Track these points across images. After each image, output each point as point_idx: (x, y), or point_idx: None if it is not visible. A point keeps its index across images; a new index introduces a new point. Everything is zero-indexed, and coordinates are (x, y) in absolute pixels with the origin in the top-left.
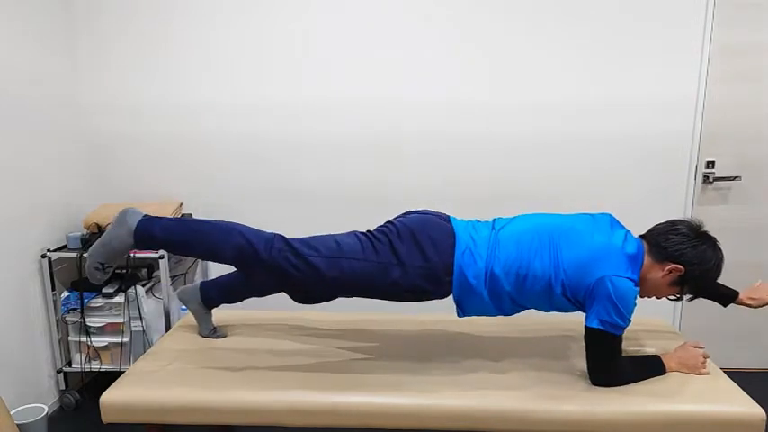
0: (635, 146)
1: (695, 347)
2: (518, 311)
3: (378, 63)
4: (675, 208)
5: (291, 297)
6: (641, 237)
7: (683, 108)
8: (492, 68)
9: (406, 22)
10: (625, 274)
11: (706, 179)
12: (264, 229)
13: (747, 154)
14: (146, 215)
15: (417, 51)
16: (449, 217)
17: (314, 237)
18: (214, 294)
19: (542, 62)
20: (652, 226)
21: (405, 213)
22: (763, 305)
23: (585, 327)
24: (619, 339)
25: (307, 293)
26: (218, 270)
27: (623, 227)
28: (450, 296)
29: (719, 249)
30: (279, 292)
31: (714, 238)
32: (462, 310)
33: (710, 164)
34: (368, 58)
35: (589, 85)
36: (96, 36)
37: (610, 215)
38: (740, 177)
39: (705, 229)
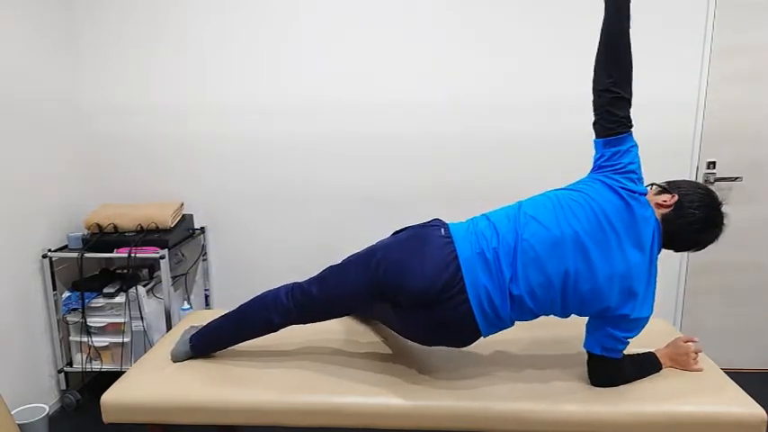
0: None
1: (687, 342)
2: None
3: (376, 64)
4: None
5: None
6: (664, 217)
7: (684, 109)
8: (490, 69)
9: (405, 22)
10: (642, 306)
11: (707, 180)
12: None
13: (748, 154)
14: (191, 341)
15: (416, 52)
16: (456, 255)
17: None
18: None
19: (542, 63)
20: (685, 209)
21: (403, 244)
22: None
23: (587, 350)
24: (620, 359)
25: None
26: (219, 271)
27: (651, 216)
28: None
29: (720, 232)
30: None
31: (721, 226)
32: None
33: (711, 164)
34: (367, 60)
35: (590, 86)
36: (97, 38)
37: (639, 198)
38: (741, 178)
39: (722, 209)
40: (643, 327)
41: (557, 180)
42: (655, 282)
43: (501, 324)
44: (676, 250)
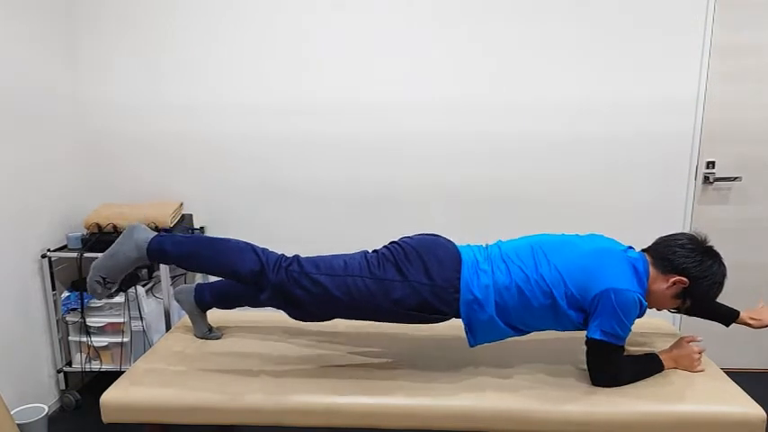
0: (635, 146)
1: (691, 342)
2: (529, 331)
3: (378, 63)
4: (676, 208)
5: (289, 315)
6: (644, 250)
7: (684, 108)
8: (492, 69)
9: (407, 22)
10: (628, 283)
11: (706, 179)
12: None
13: (748, 154)
14: (158, 233)
15: (419, 51)
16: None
17: (322, 257)
18: (208, 297)
19: (542, 63)
20: (656, 239)
21: (411, 236)
22: (765, 326)
23: (587, 338)
24: (621, 348)
25: (308, 313)
26: None
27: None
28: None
29: (723, 266)
30: (276, 307)
31: (719, 255)
32: (473, 335)
33: (711, 164)
34: (368, 59)
35: (590, 87)
36: (97, 36)
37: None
38: (740, 178)
39: (710, 243)
40: (634, 309)
41: (558, 181)
42: (622, 262)
43: (479, 277)
44: (681, 273)
